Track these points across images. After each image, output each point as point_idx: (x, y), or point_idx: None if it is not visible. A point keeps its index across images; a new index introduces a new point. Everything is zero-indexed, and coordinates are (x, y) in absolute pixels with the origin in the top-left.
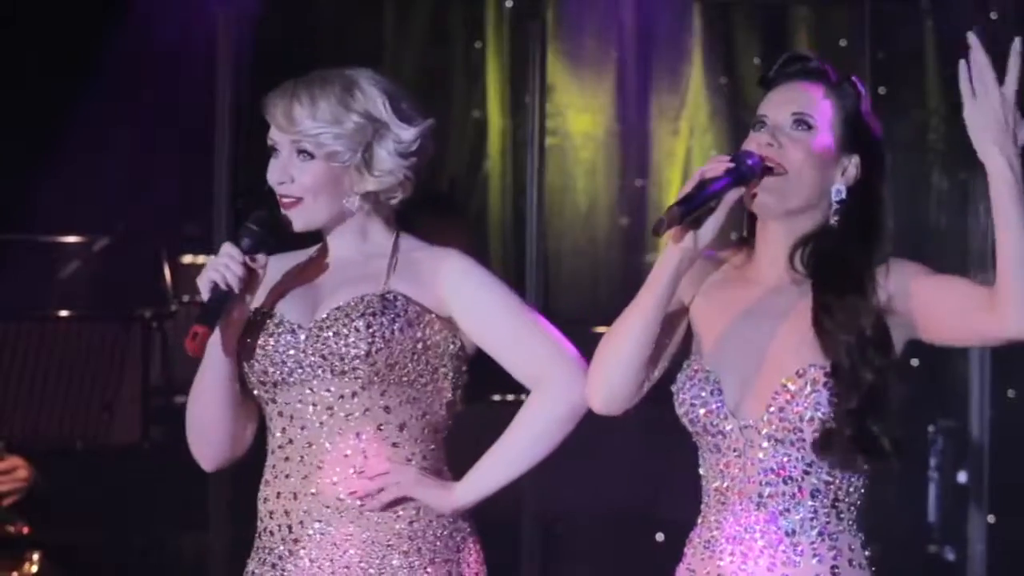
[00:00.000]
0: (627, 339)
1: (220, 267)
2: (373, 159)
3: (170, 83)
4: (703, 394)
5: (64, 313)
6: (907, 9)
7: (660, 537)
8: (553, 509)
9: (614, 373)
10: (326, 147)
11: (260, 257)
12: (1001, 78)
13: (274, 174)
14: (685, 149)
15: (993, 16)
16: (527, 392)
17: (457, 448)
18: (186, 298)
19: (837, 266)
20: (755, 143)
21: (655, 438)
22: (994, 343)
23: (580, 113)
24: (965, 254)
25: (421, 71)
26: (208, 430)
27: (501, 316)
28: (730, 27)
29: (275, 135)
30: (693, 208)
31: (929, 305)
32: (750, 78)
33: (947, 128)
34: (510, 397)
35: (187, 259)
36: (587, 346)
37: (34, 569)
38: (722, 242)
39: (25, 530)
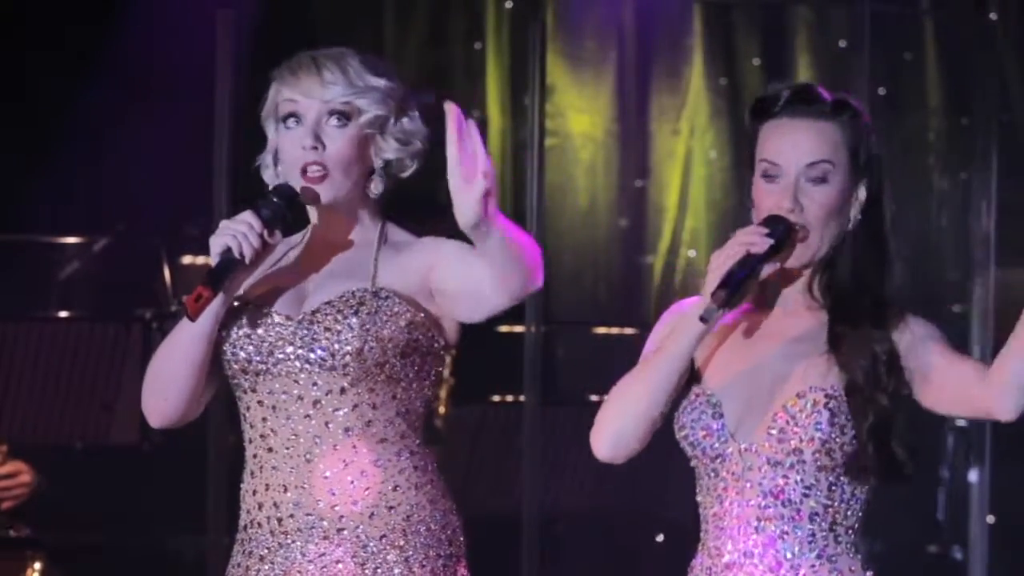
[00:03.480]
0: (639, 403)
1: (238, 234)
2: (401, 124)
3: (170, 83)
4: (704, 417)
5: (64, 313)
6: (907, 9)
7: (660, 537)
8: (553, 509)
9: (623, 431)
10: (364, 112)
11: (277, 234)
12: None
13: (303, 140)
14: (685, 149)
15: (993, 16)
16: (527, 393)
17: (457, 448)
18: (185, 298)
19: (853, 293)
20: (775, 207)
21: (655, 438)
22: (983, 418)
23: (580, 113)
24: (966, 254)
25: (421, 71)
26: (170, 386)
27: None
28: (730, 27)
29: (299, 104)
30: (738, 288)
31: (936, 373)
32: (750, 78)
33: (947, 128)
34: (509, 398)
35: (187, 259)
36: (586, 345)
37: (35, 575)
38: None
39: (26, 533)
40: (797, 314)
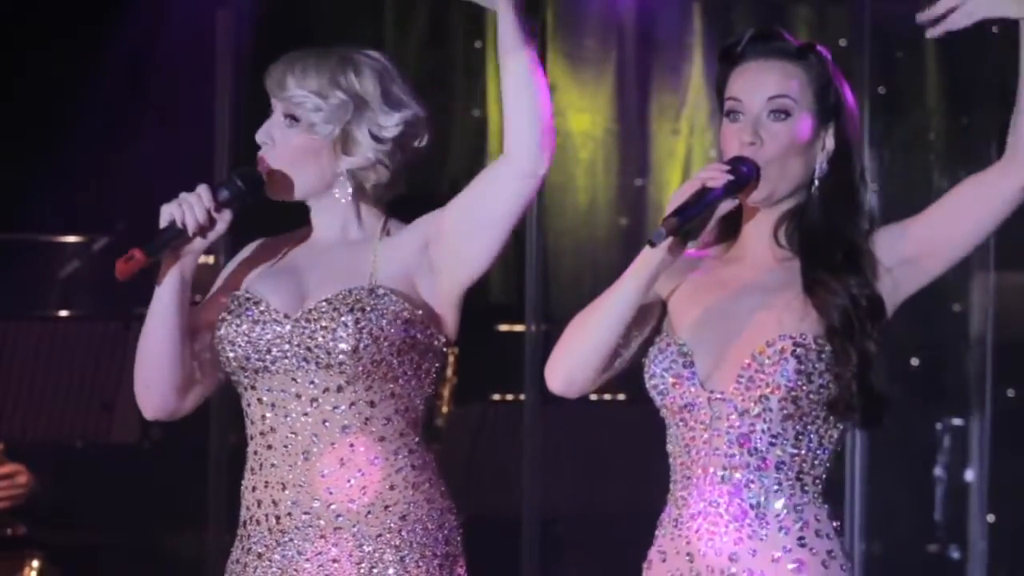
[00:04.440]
0: (593, 334)
1: (185, 205)
2: (348, 138)
3: (170, 83)
4: (675, 366)
5: (64, 313)
6: (907, 9)
7: None
8: (553, 509)
9: (576, 364)
10: (306, 117)
11: (226, 213)
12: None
13: (261, 132)
14: (685, 148)
15: None
16: (528, 392)
17: (457, 447)
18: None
19: (824, 240)
20: (736, 141)
21: (655, 438)
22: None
23: (580, 112)
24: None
25: (421, 71)
26: (147, 372)
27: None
28: (730, 27)
29: (272, 99)
30: (691, 218)
31: (944, 223)
32: None
33: (947, 128)
34: (510, 396)
35: None
36: None
37: (34, 574)
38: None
39: (23, 532)
40: (766, 264)
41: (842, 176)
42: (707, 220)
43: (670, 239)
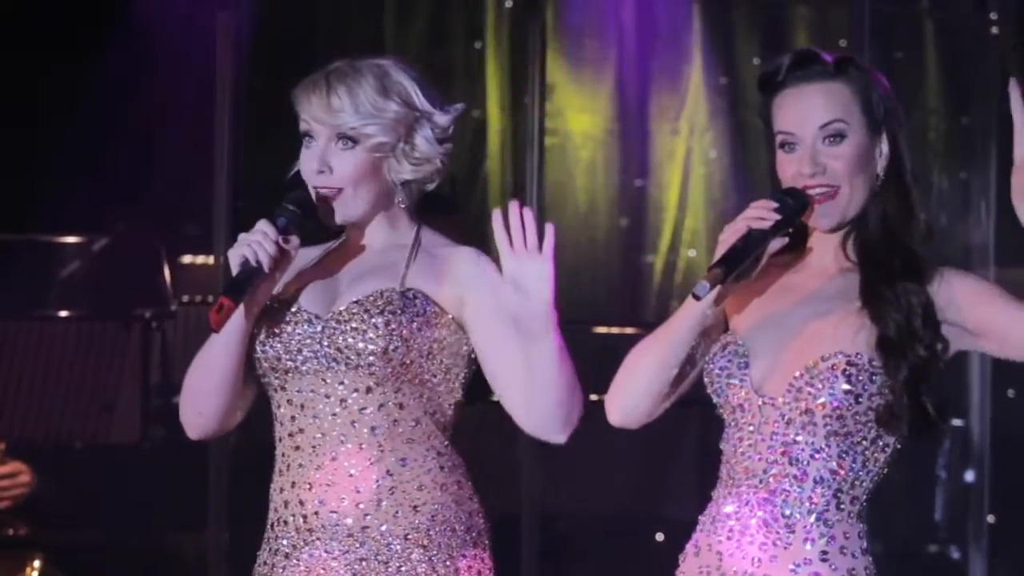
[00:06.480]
0: (644, 376)
1: (253, 243)
2: (413, 147)
3: (170, 83)
4: (730, 366)
5: (64, 313)
6: (907, 9)
7: (660, 537)
8: (553, 509)
9: (630, 402)
10: (371, 137)
11: (293, 238)
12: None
13: (311, 163)
14: (685, 149)
15: (993, 16)
16: None
17: (457, 447)
18: (186, 298)
19: (882, 247)
20: (797, 174)
21: (655, 438)
22: None
23: (580, 113)
24: (966, 253)
25: (421, 71)
26: (203, 399)
27: (510, 328)
28: (730, 27)
29: (311, 126)
30: (736, 266)
31: (994, 324)
32: (750, 78)
33: (947, 128)
34: None
35: (187, 259)
36: (587, 345)
37: (35, 574)
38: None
39: (24, 532)
40: (830, 274)
41: (897, 179)
42: (758, 261)
43: (716, 290)
